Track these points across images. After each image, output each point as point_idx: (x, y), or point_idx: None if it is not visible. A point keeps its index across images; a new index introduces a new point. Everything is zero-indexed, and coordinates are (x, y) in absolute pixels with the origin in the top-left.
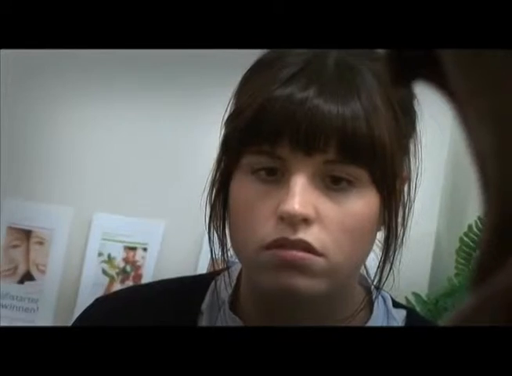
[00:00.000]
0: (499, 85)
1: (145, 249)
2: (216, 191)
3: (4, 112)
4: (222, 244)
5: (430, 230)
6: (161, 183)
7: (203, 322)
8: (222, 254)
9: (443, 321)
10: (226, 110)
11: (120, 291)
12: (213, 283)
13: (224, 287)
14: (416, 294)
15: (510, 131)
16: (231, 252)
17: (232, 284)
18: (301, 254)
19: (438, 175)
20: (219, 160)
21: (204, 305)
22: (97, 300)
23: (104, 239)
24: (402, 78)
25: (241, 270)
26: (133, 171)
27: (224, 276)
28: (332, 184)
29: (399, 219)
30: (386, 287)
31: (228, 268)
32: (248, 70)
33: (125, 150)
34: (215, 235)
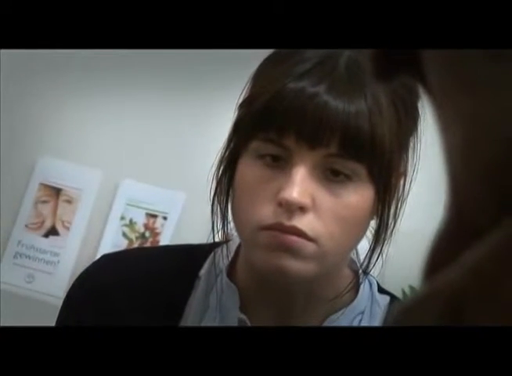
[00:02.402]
0: (474, 87)
1: (165, 218)
2: (223, 168)
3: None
4: (224, 218)
5: (430, 226)
6: (186, 158)
7: (200, 286)
8: (223, 227)
9: (392, 310)
10: (242, 93)
11: (127, 250)
12: (212, 254)
13: (222, 258)
14: (412, 287)
15: (476, 133)
16: (231, 225)
17: (230, 256)
18: (293, 237)
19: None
20: (229, 140)
21: (202, 271)
22: (103, 256)
23: (128, 204)
24: (385, 73)
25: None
26: (162, 146)
27: (223, 247)
28: (331, 176)
29: (391, 212)
30: (383, 277)
31: (227, 241)
32: (266, 59)
33: (157, 126)
34: (218, 208)
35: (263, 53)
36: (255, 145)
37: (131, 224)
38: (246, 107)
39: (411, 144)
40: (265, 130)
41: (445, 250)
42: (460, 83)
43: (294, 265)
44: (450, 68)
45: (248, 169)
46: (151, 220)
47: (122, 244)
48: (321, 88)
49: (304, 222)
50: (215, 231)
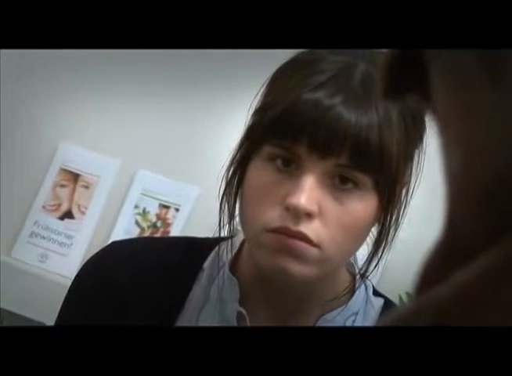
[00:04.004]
0: (475, 114)
1: (177, 209)
2: (234, 169)
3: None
4: (230, 216)
5: (429, 234)
6: (202, 155)
7: (204, 278)
8: (229, 224)
9: (384, 317)
10: (256, 96)
11: (136, 238)
12: (217, 247)
13: (226, 252)
14: (408, 294)
15: (473, 159)
16: (237, 221)
17: (233, 251)
18: (298, 242)
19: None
20: (241, 143)
21: (206, 264)
22: (113, 243)
23: (143, 194)
24: (394, 92)
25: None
26: (181, 141)
27: (227, 242)
28: (339, 183)
29: (393, 220)
30: (381, 283)
31: (231, 237)
32: (283, 66)
33: (177, 121)
34: (226, 207)
35: (280, 53)
36: (267, 149)
37: (144, 213)
38: (260, 114)
39: (416, 156)
40: (279, 137)
41: (437, 268)
42: (462, 109)
43: (297, 268)
44: (455, 93)
45: (258, 172)
46: (163, 211)
47: (134, 232)
48: (336, 100)
49: (309, 228)
50: (221, 227)
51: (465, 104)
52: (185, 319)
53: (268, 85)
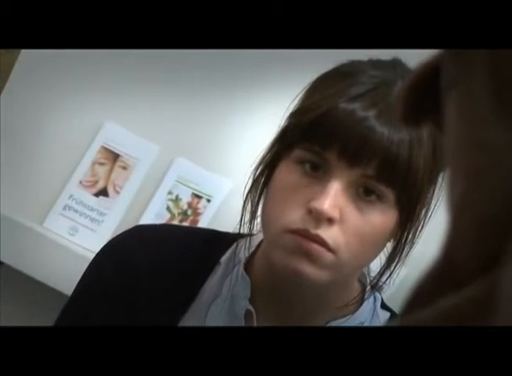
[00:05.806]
0: (481, 151)
1: (208, 200)
2: (262, 168)
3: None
4: (252, 215)
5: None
6: (241, 150)
7: (219, 272)
8: (250, 222)
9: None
10: (293, 100)
11: (160, 225)
12: (235, 243)
13: (243, 249)
14: None
15: (475, 191)
16: (258, 220)
17: (251, 250)
18: (316, 245)
19: None
20: (273, 144)
21: (224, 258)
22: (137, 227)
23: (177, 181)
24: (410, 119)
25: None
26: (222, 134)
27: (246, 240)
28: (363, 194)
29: (409, 238)
30: (389, 294)
31: (251, 235)
32: (324, 75)
33: (220, 116)
34: (249, 204)
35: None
36: (297, 152)
37: (177, 200)
38: (296, 118)
39: (440, 179)
40: (311, 141)
41: (428, 290)
42: (470, 144)
43: (311, 271)
44: (465, 129)
45: (286, 173)
46: (195, 200)
47: (164, 217)
48: (370, 113)
49: (328, 233)
50: (242, 224)
51: (474, 140)
52: (196, 311)
53: (306, 91)
